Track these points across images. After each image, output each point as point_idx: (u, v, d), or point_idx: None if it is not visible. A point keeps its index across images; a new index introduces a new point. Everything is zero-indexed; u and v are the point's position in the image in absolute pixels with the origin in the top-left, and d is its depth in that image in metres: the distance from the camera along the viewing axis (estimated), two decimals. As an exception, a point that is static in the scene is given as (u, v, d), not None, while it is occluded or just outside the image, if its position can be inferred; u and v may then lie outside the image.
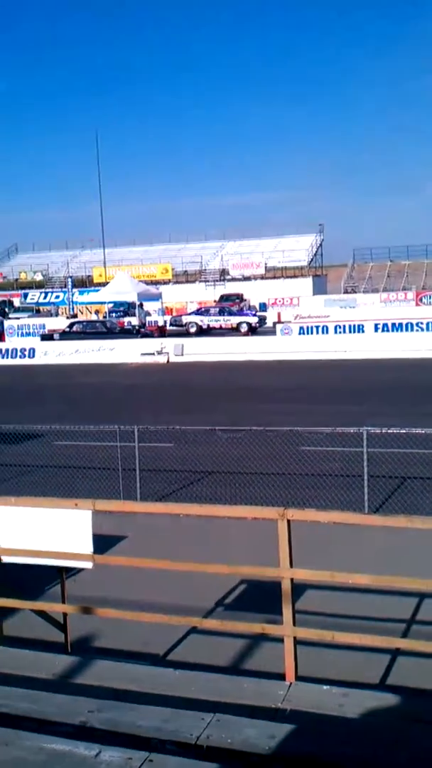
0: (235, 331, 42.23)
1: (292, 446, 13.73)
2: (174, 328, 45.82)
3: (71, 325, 42.01)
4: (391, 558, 8.68)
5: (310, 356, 31.40)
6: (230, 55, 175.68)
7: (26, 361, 35.77)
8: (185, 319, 45.47)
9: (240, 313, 47.27)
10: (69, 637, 6.59)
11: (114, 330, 40.55)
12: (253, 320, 43.83)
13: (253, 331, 41.99)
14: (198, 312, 46.68)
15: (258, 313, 48.64)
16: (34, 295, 72.08)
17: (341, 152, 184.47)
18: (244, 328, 42.34)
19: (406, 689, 6.06)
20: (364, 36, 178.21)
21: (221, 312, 45.09)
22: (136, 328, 42.83)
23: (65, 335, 39.68)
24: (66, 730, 4.50)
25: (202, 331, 42.86)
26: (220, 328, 43.10)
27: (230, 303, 52.84)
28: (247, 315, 46.20)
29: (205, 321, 43.85)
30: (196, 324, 43.78)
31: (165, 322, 48.23)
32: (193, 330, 43.16)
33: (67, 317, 53.54)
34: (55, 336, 40.32)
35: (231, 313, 45.20)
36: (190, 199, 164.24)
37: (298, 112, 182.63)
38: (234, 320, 43.57)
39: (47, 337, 40.71)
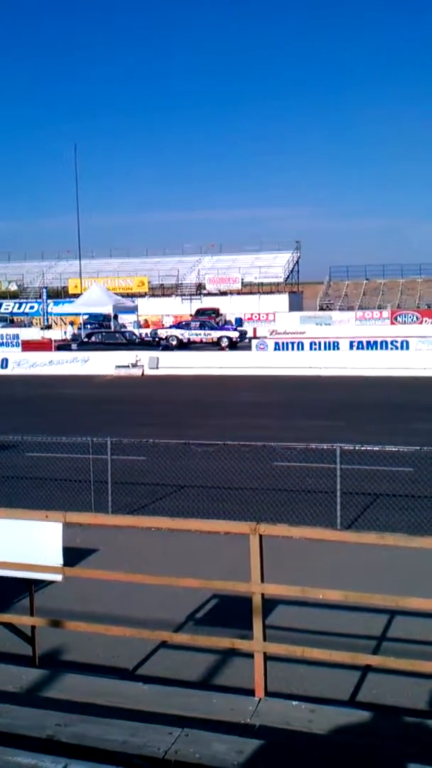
0: (215, 345, 42.32)
1: (266, 461, 13.75)
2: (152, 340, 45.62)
3: (89, 335, 41.93)
4: (363, 574, 8.70)
5: (285, 372, 31.51)
6: (214, 68, 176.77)
7: (-1, 371, 35.53)
8: (165, 333, 45.34)
9: (221, 327, 47.29)
10: (37, 650, 6.51)
11: (134, 341, 40.46)
12: (234, 335, 43.90)
13: (233, 345, 42.07)
14: (179, 326, 46.66)
15: (239, 328, 48.68)
16: (9, 305, 71.64)
17: (322, 171, 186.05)
18: (224, 342, 42.43)
19: (376, 706, 6.06)
20: (353, 57, 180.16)
21: (202, 326, 45.12)
22: (157, 339, 42.72)
23: (83, 345, 39.58)
24: (33, 744, 4.45)
25: (183, 345, 42.86)
26: (201, 342, 43.13)
27: (206, 317, 52.79)
28: (228, 329, 46.26)
29: (185, 335, 43.81)
30: (177, 337, 43.73)
31: (140, 334, 48.09)
32: (174, 343, 43.11)
33: (41, 328, 53.27)
34: (73, 346, 40.16)
35: (212, 328, 45.26)
36: (168, 213, 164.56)
37: (282, 130, 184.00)
38: (215, 334, 43.66)
39: (65, 347, 40.56)
